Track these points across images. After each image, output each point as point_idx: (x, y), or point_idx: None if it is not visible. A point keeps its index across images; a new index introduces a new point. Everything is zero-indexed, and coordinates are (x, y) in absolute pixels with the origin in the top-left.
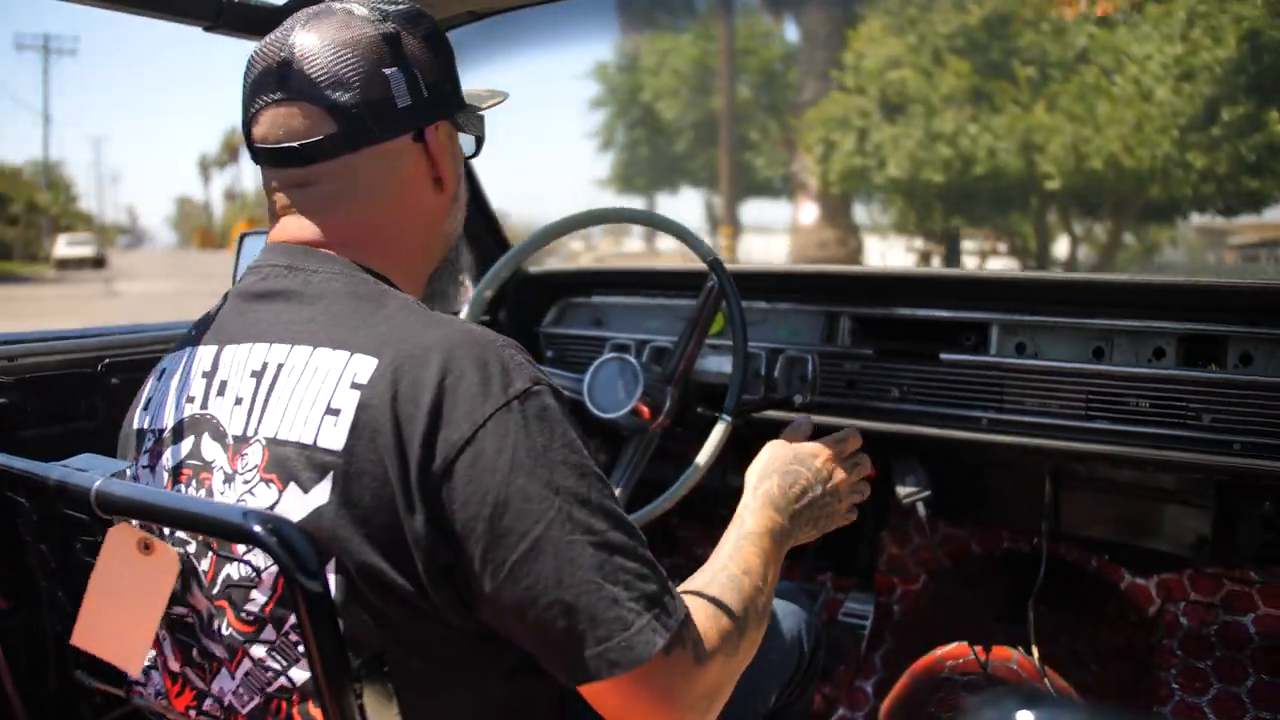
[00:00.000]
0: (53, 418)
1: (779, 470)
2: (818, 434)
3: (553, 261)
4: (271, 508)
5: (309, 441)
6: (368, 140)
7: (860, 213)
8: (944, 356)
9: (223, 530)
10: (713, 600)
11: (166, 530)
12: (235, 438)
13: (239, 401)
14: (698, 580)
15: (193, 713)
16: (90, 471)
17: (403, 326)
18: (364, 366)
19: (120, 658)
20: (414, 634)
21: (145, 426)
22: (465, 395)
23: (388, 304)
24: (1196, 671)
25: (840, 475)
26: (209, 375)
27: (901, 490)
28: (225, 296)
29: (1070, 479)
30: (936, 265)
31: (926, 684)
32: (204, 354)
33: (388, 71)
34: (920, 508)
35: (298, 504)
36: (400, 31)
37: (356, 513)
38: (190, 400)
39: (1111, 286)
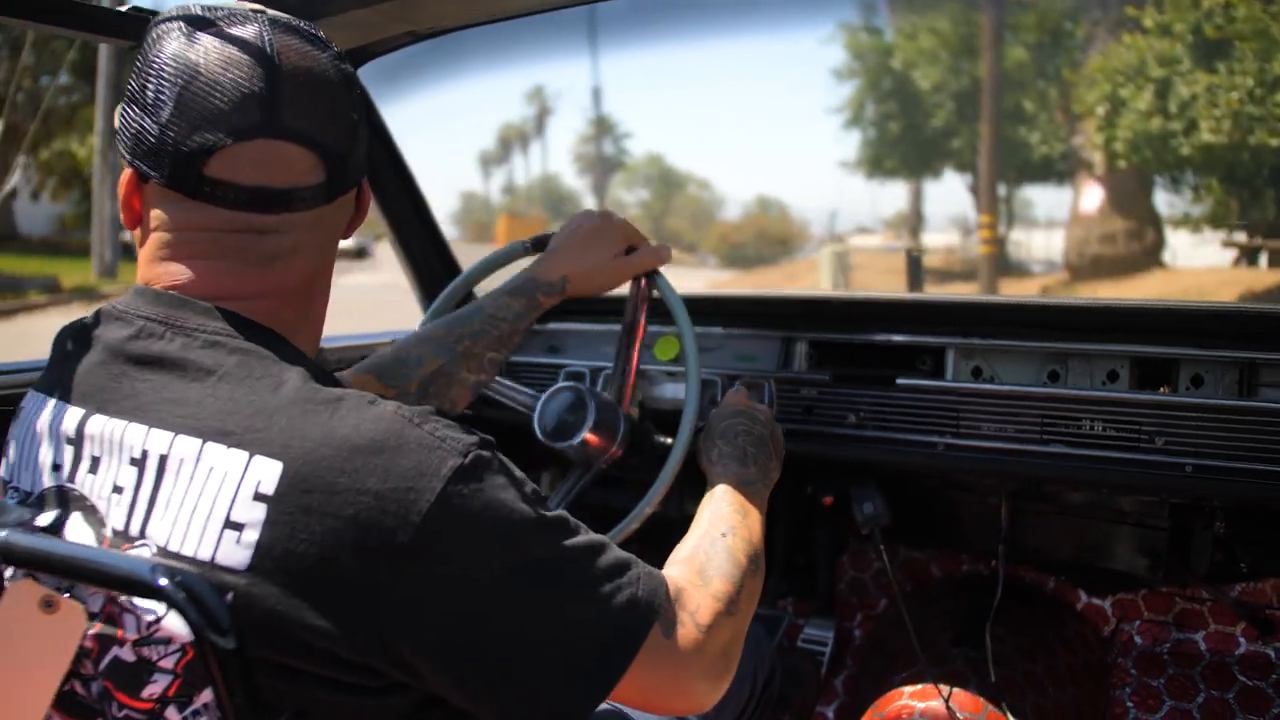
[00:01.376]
0: None
1: (719, 434)
2: None
3: None
4: (153, 626)
5: (206, 558)
6: (344, 189)
7: (1161, 201)
8: (901, 381)
9: (126, 584)
10: (701, 568)
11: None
12: (116, 532)
13: (118, 490)
14: (683, 551)
15: None
16: None
17: (303, 418)
18: (267, 473)
19: None
20: (330, 704)
21: (8, 479)
22: (390, 498)
23: (285, 384)
24: (1150, 689)
25: (760, 407)
26: (74, 443)
27: (859, 516)
28: (84, 337)
29: (1027, 502)
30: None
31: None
32: (69, 416)
33: (355, 116)
34: (877, 534)
35: (177, 618)
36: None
37: (262, 636)
38: (57, 468)
39: (1065, 310)
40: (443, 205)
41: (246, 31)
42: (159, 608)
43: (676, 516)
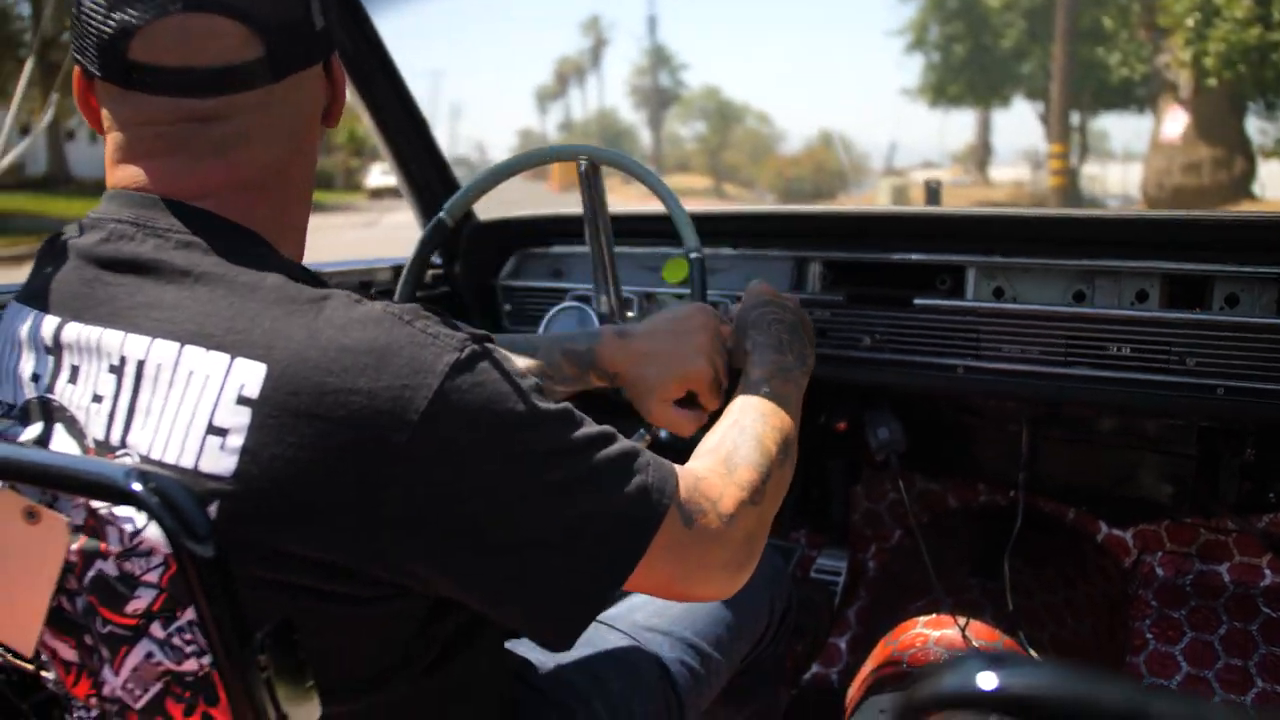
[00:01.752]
0: None
1: (751, 325)
2: None
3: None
4: (135, 537)
5: (189, 466)
6: (293, 67)
7: (1254, 127)
8: (918, 302)
9: (100, 490)
10: (726, 457)
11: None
12: (98, 442)
13: (98, 399)
14: (710, 442)
15: (93, 700)
16: None
17: (287, 318)
18: (251, 375)
19: (11, 636)
20: (324, 614)
21: None
22: (383, 396)
23: (265, 283)
24: (1171, 621)
25: (788, 295)
26: (52, 352)
27: (874, 443)
28: (60, 245)
29: (1048, 429)
30: None
31: (901, 644)
32: (45, 324)
33: None
34: (893, 461)
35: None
36: None
37: (251, 548)
38: (36, 379)
39: (1094, 223)
40: (501, 143)
41: None
42: (139, 518)
43: (688, 445)
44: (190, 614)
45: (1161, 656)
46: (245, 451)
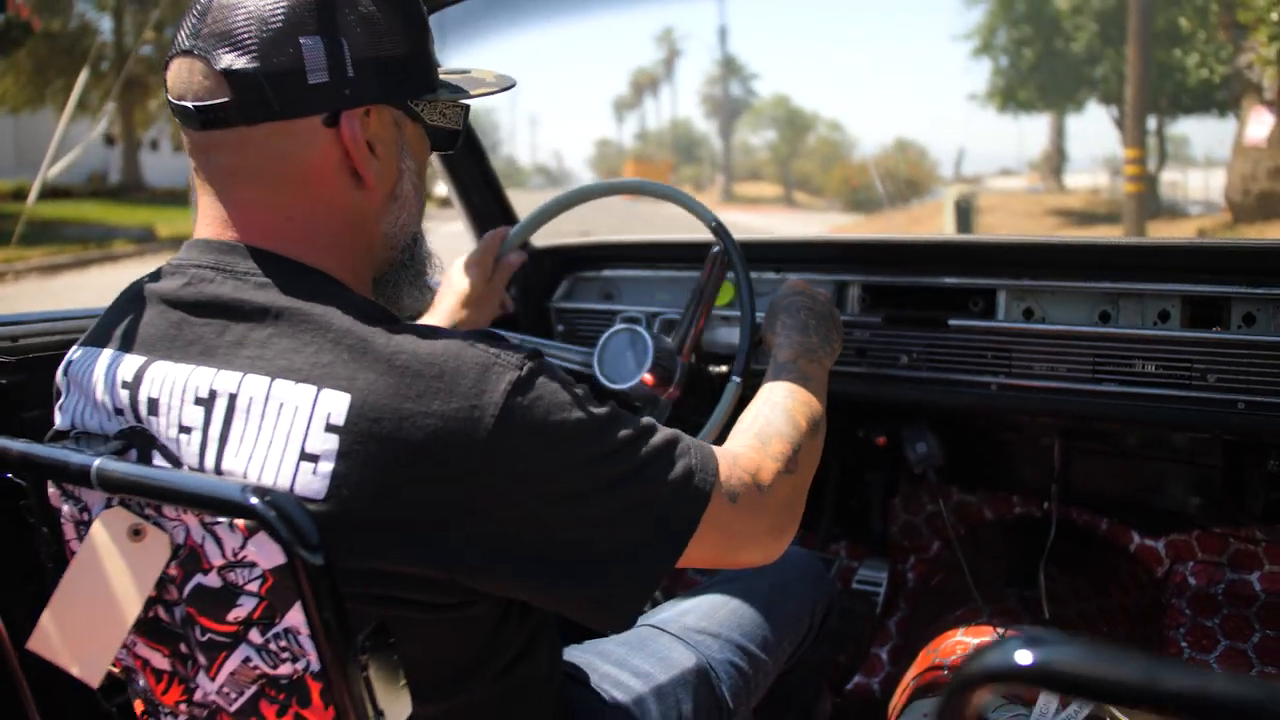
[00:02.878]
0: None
1: (781, 309)
2: None
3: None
4: (239, 551)
5: (284, 488)
6: (265, 115)
7: None
8: (953, 322)
9: (219, 505)
10: (759, 432)
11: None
12: (193, 469)
13: (185, 430)
14: (744, 421)
15: (182, 706)
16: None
17: (365, 350)
18: (336, 404)
19: (79, 664)
20: (405, 621)
21: (73, 426)
22: (455, 417)
23: (341, 320)
24: (1204, 630)
25: (819, 290)
26: (130, 388)
27: (913, 457)
28: (137, 293)
29: (1080, 442)
30: None
31: (942, 653)
32: (125, 365)
33: (304, 40)
34: (931, 474)
35: (267, 554)
36: None
37: (343, 564)
38: (119, 413)
39: (1117, 249)
40: (579, 152)
41: None
42: (239, 535)
43: None
44: (287, 621)
45: (1197, 665)
46: (335, 475)
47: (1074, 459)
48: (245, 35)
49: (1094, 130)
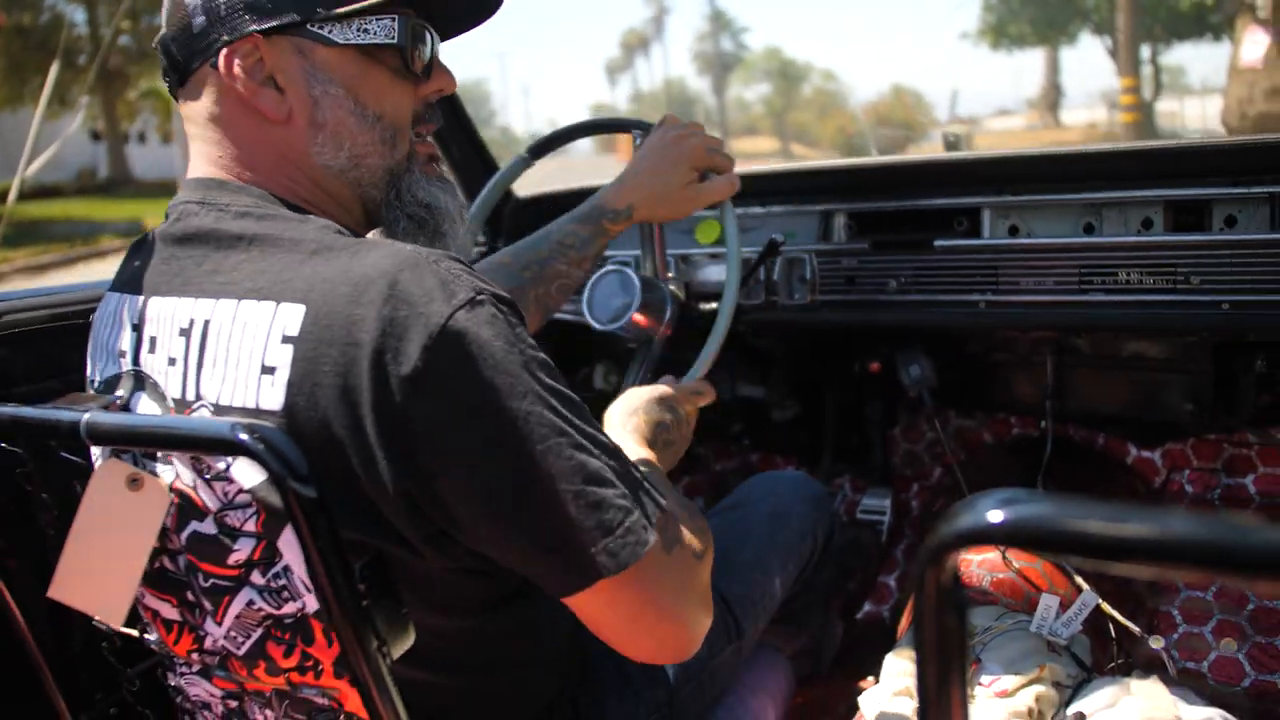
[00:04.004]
0: (46, 372)
1: (643, 409)
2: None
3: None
4: (224, 473)
5: (251, 405)
6: (180, 76)
7: None
8: (938, 244)
9: (210, 444)
10: (677, 502)
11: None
12: (176, 400)
13: (172, 362)
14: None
15: (194, 655)
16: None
17: (325, 263)
18: (292, 316)
19: (101, 607)
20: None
21: (89, 376)
22: (407, 323)
23: (308, 237)
24: None
25: (693, 422)
26: (138, 328)
27: (907, 380)
28: (145, 236)
29: (1072, 358)
30: None
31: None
32: (130, 304)
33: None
34: (926, 396)
35: (250, 472)
36: None
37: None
38: (122, 355)
39: (1098, 157)
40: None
41: None
42: (236, 475)
43: (729, 399)
44: (286, 558)
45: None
46: (290, 385)
47: (1067, 375)
48: (168, 7)
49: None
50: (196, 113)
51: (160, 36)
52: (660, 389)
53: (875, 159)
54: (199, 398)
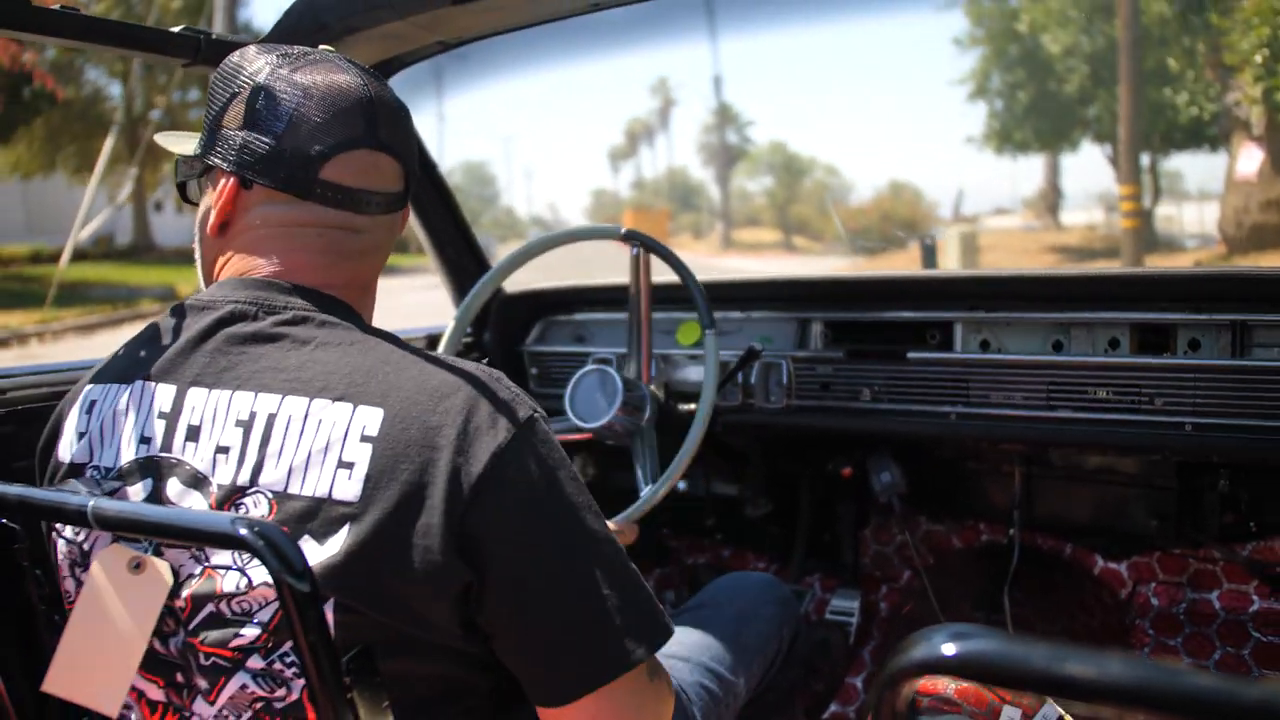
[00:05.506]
0: None
1: None
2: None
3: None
4: (249, 579)
5: (324, 495)
6: (409, 199)
7: None
8: (912, 355)
9: (211, 538)
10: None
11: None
12: (222, 487)
13: (223, 450)
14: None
15: None
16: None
17: (399, 373)
18: (371, 418)
19: (96, 697)
20: (406, 647)
21: (87, 461)
22: (480, 434)
23: (376, 347)
24: (1167, 649)
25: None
26: (168, 417)
27: (877, 486)
28: (158, 329)
29: (1040, 468)
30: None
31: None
32: (160, 394)
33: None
34: (896, 503)
35: (310, 556)
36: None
37: (372, 558)
38: (146, 441)
39: (1068, 280)
40: (575, 203)
41: (338, 63)
42: (252, 569)
43: (704, 495)
44: (285, 648)
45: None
46: (368, 478)
47: (1035, 485)
48: (405, 134)
49: (1087, 166)
50: (378, 229)
51: (410, 163)
52: None
53: (853, 274)
54: (255, 484)
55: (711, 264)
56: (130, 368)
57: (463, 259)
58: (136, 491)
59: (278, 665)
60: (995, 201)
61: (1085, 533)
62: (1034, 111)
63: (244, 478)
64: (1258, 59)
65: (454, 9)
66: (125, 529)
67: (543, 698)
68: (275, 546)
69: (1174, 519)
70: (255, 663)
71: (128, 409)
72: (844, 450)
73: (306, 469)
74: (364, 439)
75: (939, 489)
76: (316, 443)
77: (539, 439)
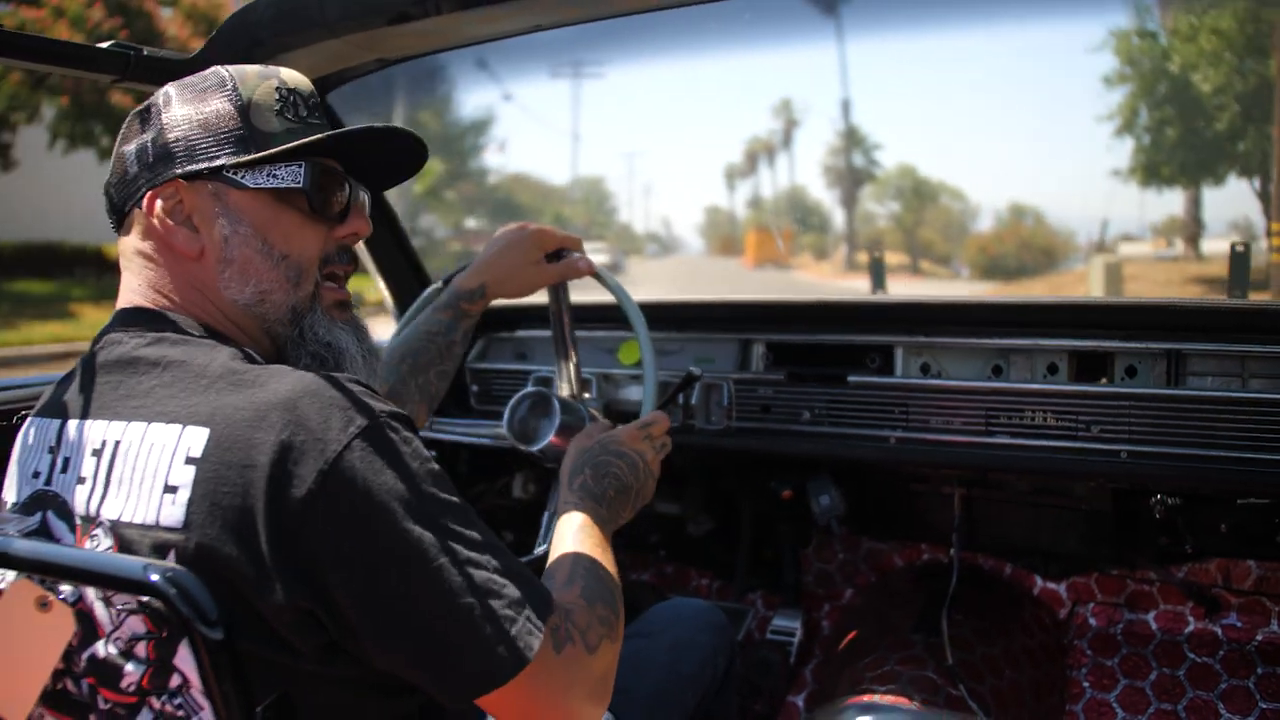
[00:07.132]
0: None
1: (590, 463)
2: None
3: None
4: (124, 617)
5: (150, 522)
6: (117, 217)
7: None
8: (852, 379)
9: (123, 584)
10: (584, 589)
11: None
12: (82, 518)
13: (82, 481)
14: (561, 573)
15: None
16: None
17: (232, 389)
18: (196, 439)
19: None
20: (294, 683)
21: (13, 500)
22: (304, 449)
23: (215, 363)
24: (1105, 669)
25: (650, 455)
26: (54, 450)
27: (816, 509)
28: (77, 364)
29: (979, 490)
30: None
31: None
32: (50, 429)
33: (124, 149)
34: (834, 525)
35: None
36: (172, 97)
37: (210, 589)
38: (36, 476)
39: (1009, 307)
40: (687, 219)
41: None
42: (131, 600)
43: (649, 512)
44: (176, 680)
45: (1098, 704)
46: (190, 503)
47: (975, 507)
48: (112, 160)
49: (1226, 196)
50: (127, 248)
51: (105, 183)
52: (606, 436)
53: (792, 297)
54: (99, 515)
55: (832, 285)
56: (45, 403)
57: (403, 271)
58: (28, 525)
59: (175, 700)
60: (1121, 228)
61: (1024, 553)
62: (1182, 146)
63: (93, 508)
64: None
65: (389, 29)
66: (34, 569)
67: (442, 698)
68: (186, 594)
69: (1112, 541)
70: (155, 703)
71: (30, 446)
72: (785, 471)
73: (139, 497)
74: (188, 461)
75: (881, 509)
76: (148, 468)
77: (379, 447)
